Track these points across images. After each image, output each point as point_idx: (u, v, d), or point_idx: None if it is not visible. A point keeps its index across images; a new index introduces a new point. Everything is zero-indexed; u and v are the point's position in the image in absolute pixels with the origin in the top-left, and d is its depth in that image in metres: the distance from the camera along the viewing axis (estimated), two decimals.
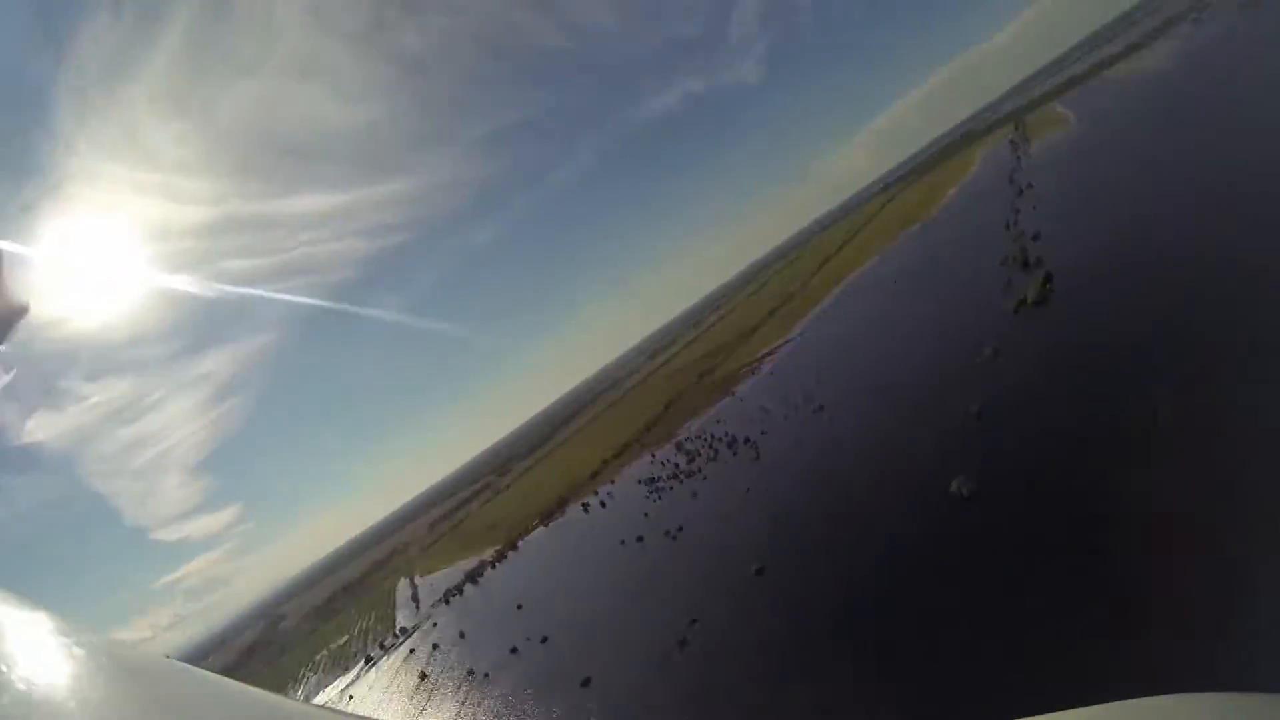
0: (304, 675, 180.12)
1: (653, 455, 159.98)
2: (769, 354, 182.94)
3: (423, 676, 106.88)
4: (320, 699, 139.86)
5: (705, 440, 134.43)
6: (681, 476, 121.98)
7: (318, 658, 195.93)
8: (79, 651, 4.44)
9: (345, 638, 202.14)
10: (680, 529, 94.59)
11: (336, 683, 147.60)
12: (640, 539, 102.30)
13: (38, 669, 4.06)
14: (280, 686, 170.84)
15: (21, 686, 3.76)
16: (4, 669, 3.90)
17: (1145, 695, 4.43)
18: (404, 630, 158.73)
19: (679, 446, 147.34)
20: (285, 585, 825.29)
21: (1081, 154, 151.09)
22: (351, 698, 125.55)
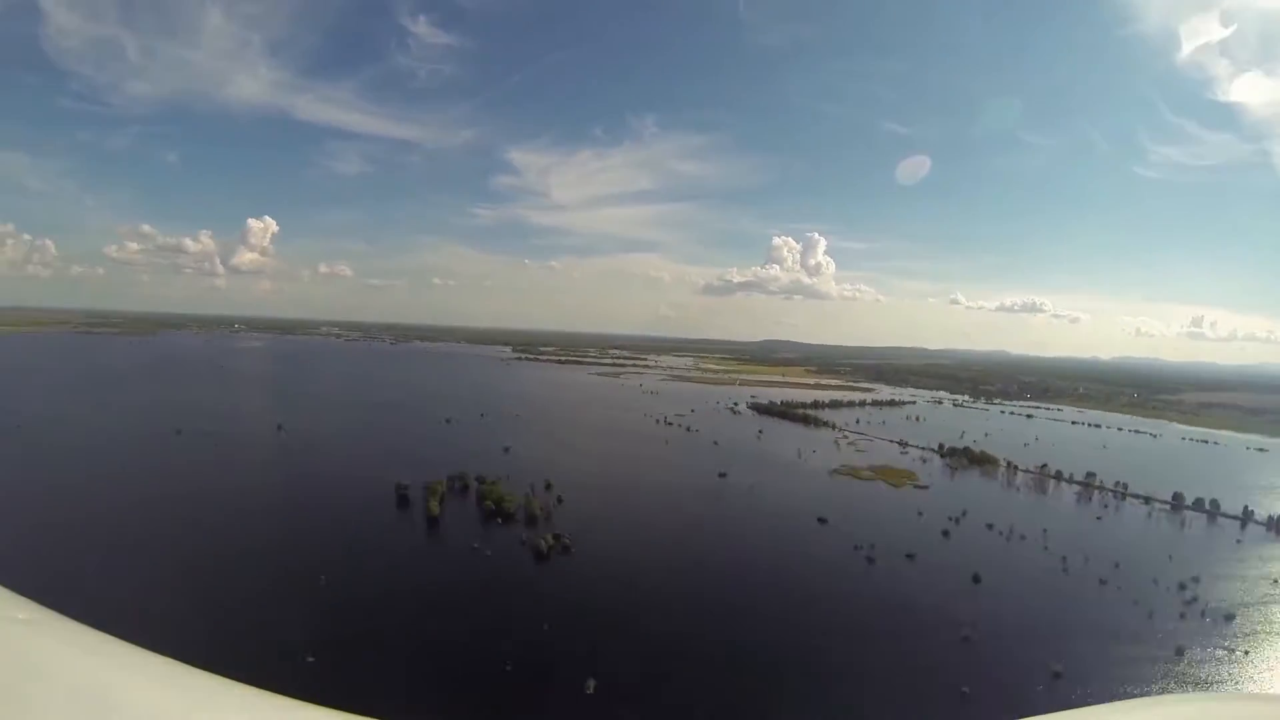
0: None
1: None
2: None
3: None
4: None
5: None
6: None
7: None
8: (70, 648, 4.68)
9: None
10: None
11: None
12: None
13: (30, 668, 4.30)
14: None
15: (13, 686, 3.98)
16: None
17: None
18: None
19: None
20: None
21: None
22: None
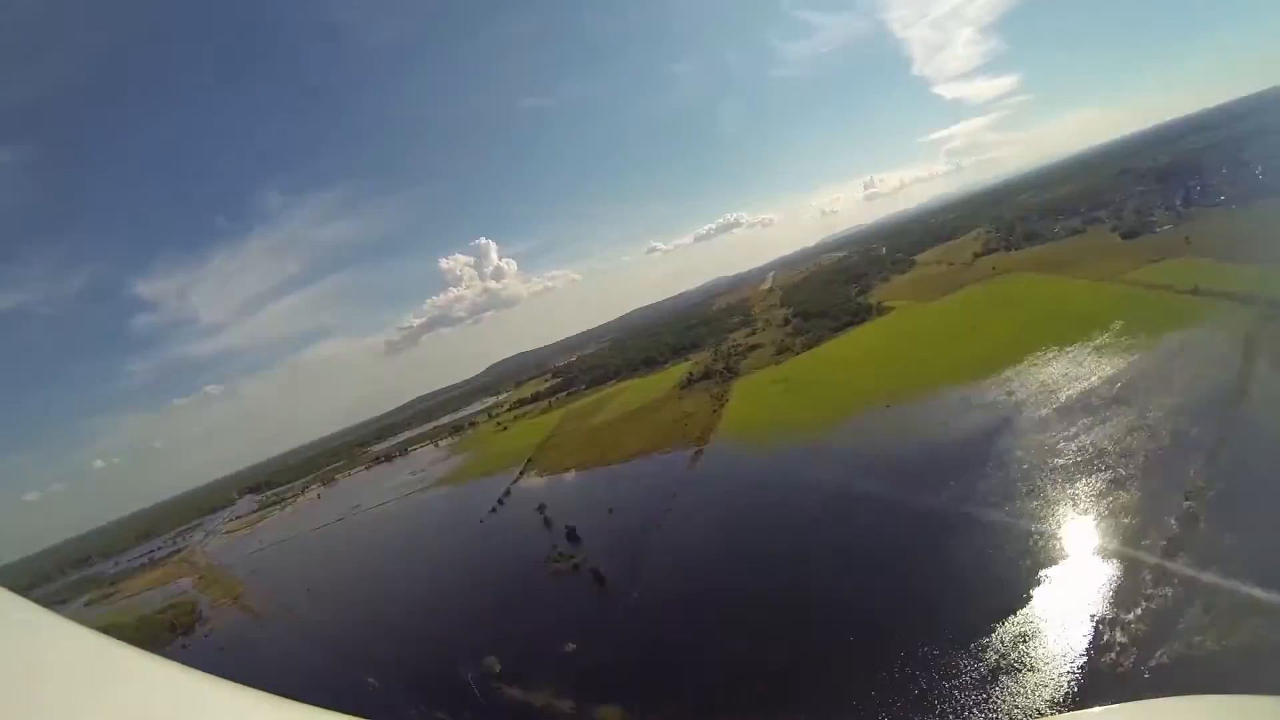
0: None
1: None
2: None
3: None
4: None
5: None
6: None
7: None
8: (70, 649, 4.45)
9: None
10: None
11: None
12: None
13: (25, 669, 4.10)
14: None
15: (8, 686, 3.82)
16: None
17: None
18: None
19: None
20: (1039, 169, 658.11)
21: None
22: None
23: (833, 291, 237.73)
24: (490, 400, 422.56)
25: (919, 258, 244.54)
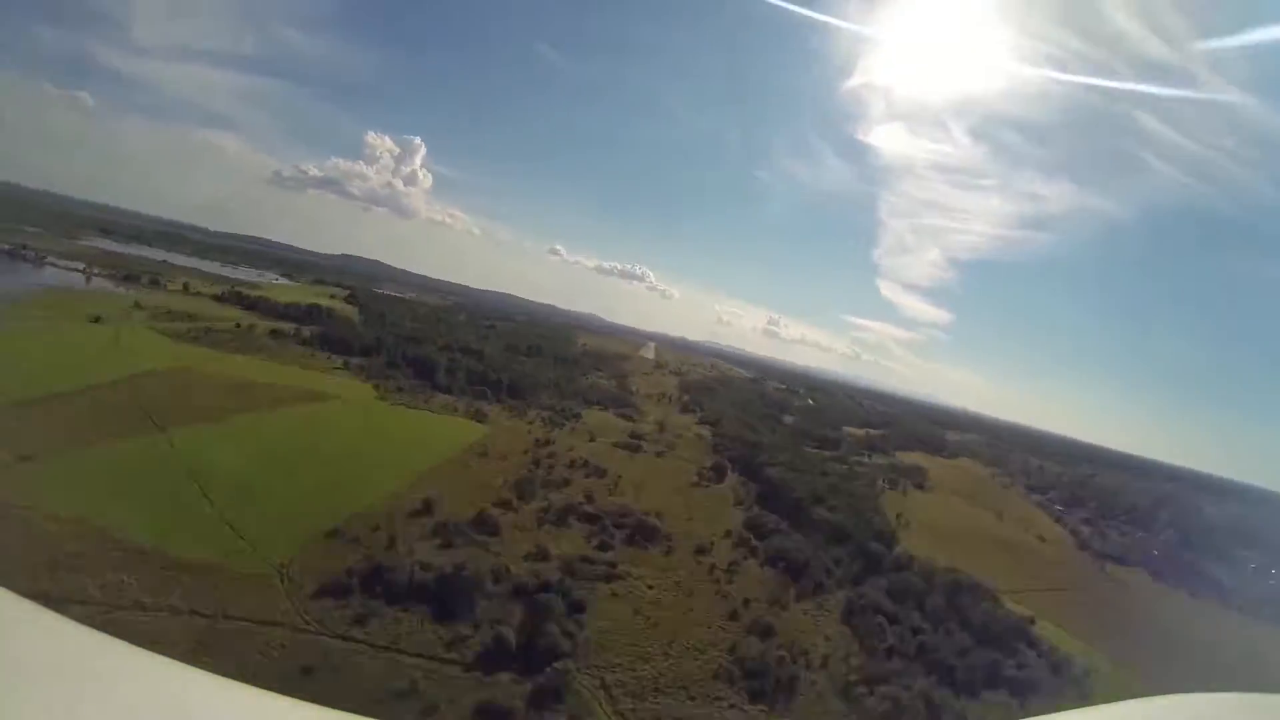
0: None
1: None
2: None
3: None
4: None
5: None
6: None
7: None
8: (70, 648, 4.51)
9: None
10: None
11: None
12: None
13: (23, 667, 4.15)
14: None
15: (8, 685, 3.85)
16: None
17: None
18: None
19: None
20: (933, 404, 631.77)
21: None
22: None
23: (796, 449, 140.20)
24: (267, 277, 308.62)
25: (929, 470, 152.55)
